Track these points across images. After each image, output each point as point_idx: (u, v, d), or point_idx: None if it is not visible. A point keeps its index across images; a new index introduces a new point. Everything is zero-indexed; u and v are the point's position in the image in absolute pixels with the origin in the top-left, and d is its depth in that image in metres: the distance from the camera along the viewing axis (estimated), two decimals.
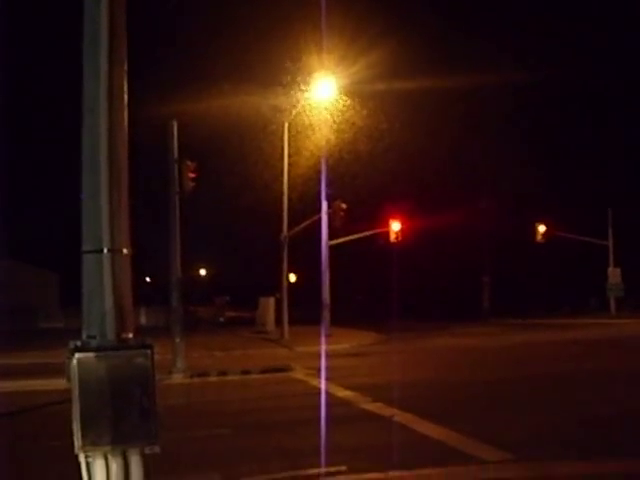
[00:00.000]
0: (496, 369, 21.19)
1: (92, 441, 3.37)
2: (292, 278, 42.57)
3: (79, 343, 3.42)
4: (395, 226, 39.84)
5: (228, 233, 63.47)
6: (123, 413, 3.36)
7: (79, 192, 3.52)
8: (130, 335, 3.48)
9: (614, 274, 53.81)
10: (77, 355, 3.36)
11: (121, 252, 3.51)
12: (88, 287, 3.49)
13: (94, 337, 3.43)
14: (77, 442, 3.38)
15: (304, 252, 42.21)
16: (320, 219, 36.59)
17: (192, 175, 23.05)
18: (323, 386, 16.97)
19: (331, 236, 38.05)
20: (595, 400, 14.16)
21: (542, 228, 50.74)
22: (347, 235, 40.65)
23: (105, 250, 3.45)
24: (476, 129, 58.42)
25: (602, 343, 29.73)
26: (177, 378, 21.19)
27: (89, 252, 3.49)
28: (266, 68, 36.66)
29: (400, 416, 12.83)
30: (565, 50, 57.80)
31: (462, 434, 11.00)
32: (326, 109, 35.33)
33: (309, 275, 44.77)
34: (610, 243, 54.07)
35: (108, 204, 3.45)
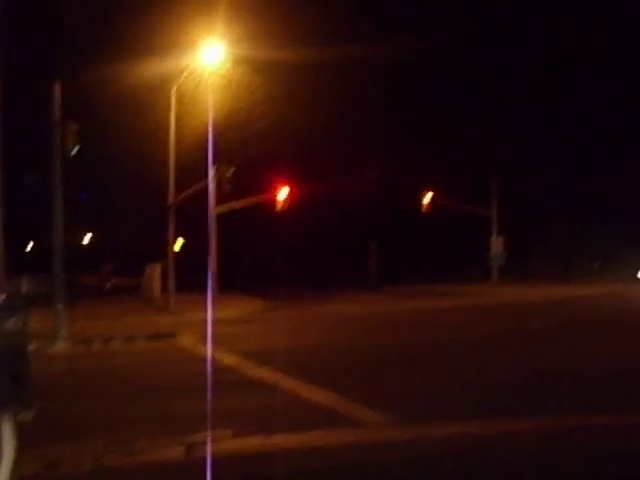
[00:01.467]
0: (381, 335, 21.56)
1: None
2: (179, 244, 42.03)
3: None
4: (283, 193, 39.83)
5: (115, 200, 62.08)
6: None
7: None
8: (1, 298, 3.38)
9: (497, 243, 55.34)
10: None
11: None
12: None
13: None
14: None
15: (193, 219, 41.75)
16: (208, 184, 36.19)
17: (75, 138, 22.39)
18: (209, 352, 16.90)
19: (221, 203, 37.75)
20: (477, 364, 14.61)
21: (428, 197, 51.70)
22: (236, 202, 40.37)
23: None
24: (364, 99, 58.70)
25: (483, 310, 30.62)
26: (60, 346, 20.70)
27: None
28: (154, 33, 35.87)
29: (285, 381, 12.94)
30: (441, 19, 58.33)
31: (345, 398, 11.17)
32: (214, 75, 34.87)
33: (198, 242, 44.32)
34: (493, 212, 55.56)
35: None
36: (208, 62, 33.69)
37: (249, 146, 44.40)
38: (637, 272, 50.75)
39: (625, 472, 6.58)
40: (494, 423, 8.97)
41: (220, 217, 37.94)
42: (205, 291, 35.06)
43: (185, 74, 33.88)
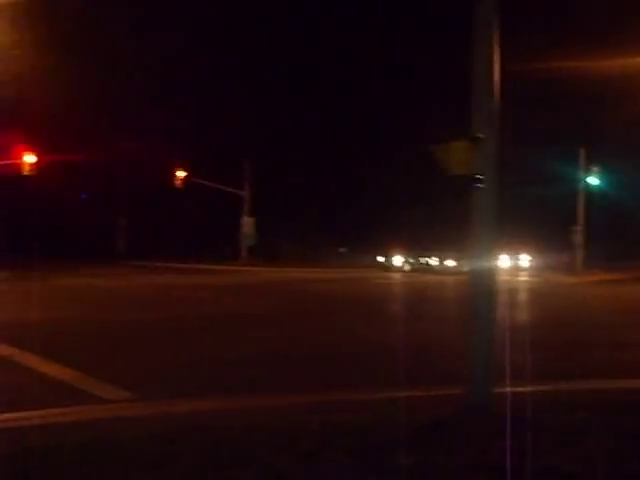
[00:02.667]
0: (124, 310, 21.10)
1: None
2: None
3: None
4: (29, 159, 37.75)
5: None
6: None
7: None
8: None
9: (247, 223, 56.06)
10: None
11: None
12: None
13: None
14: None
15: None
16: None
17: None
18: None
19: None
20: (222, 342, 14.62)
21: (181, 174, 51.26)
22: None
23: None
24: (123, 72, 57.22)
25: (232, 288, 30.92)
26: None
27: None
28: None
29: (20, 356, 12.23)
30: None
31: (85, 374, 10.73)
32: None
33: None
34: (246, 193, 56.17)
35: None
36: None
37: None
38: (377, 257, 53.38)
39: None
40: (236, 400, 8.97)
41: None
42: None
43: None
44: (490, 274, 7.74)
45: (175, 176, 50.84)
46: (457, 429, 7.18)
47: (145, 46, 53.14)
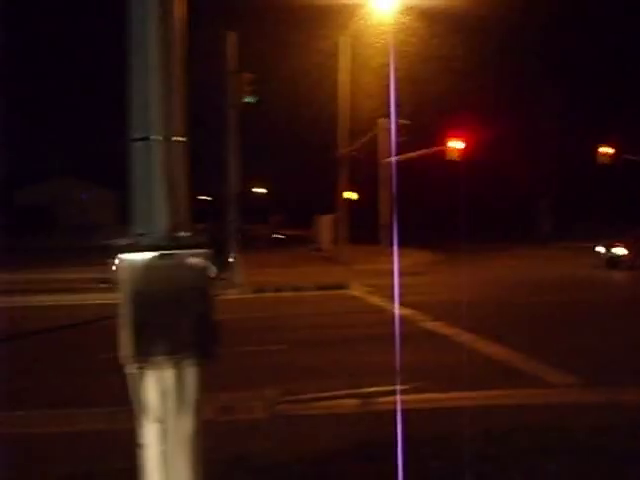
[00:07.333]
0: (558, 292, 20.64)
1: (144, 351, 3.02)
2: (354, 196, 41.42)
3: (126, 242, 3.04)
4: (456, 145, 38.56)
5: (287, 150, 62.70)
6: (178, 319, 3.01)
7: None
8: (185, 233, 3.09)
9: None
10: (124, 255, 2.99)
11: (175, 140, 3.10)
12: (137, 180, 3.08)
13: (142, 235, 3.04)
14: (127, 352, 3.02)
15: (365, 170, 41.30)
16: (377, 136, 35.69)
17: (249, 87, 22.40)
18: (397, 309, 16.49)
19: (390, 155, 36.92)
20: None
21: (606, 150, 49.00)
22: (409, 152, 39.15)
23: (155, 137, 3.05)
24: (539, 51, 56.39)
25: None
26: (233, 293, 21.05)
27: (138, 140, 3.08)
28: None
29: (462, 336, 12.46)
30: None
31: (526, 355, 10.61)
32: (387, 24, 34.08)
33: (370, 194, 43.85)
34: None
35: (159, 84, 3.02)
36: (380, 9, 33.05)
37: (422, 97, 43.33)
38: None
39: None
40: None
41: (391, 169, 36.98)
42: (376, 243, 35.15)
43: (357, 21, 33.41)
44: None
45: (600, 152, 48.74)
46: None
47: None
